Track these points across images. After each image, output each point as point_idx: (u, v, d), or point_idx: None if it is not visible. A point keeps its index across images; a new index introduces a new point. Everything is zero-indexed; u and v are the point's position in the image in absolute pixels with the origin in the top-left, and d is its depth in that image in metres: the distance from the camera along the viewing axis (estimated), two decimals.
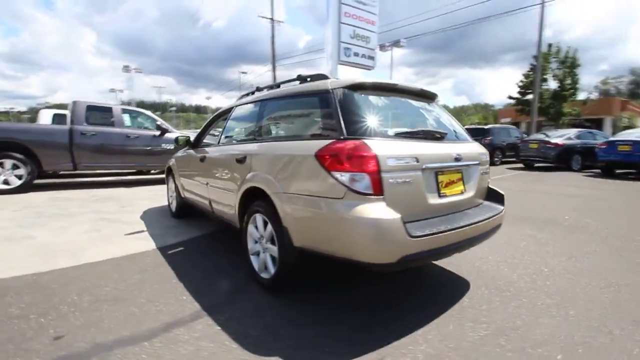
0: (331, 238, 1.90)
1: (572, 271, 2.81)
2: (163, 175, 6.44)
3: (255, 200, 2.51)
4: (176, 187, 4.35)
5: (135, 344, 1.81)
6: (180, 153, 4.47)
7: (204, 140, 3.92)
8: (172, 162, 4.55)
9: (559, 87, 25.37)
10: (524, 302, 2.28)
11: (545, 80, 26.22)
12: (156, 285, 2.55)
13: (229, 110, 3.41)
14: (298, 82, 2.64)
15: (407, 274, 2.72)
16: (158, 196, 6.22)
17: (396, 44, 22.92)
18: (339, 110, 2.03)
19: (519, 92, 27.28)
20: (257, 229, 2.49)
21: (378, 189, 1.78)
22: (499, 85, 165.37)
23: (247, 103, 3.15)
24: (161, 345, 1.81)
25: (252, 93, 3.33)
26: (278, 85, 2.94)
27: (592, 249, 3.38)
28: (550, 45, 26.49)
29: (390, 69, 23.55)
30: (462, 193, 2.24)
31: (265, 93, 2.89)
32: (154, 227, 4.08)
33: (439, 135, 2.25)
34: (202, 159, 3.44)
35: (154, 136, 7.80)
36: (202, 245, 3.53)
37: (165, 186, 5.13)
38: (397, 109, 2.33)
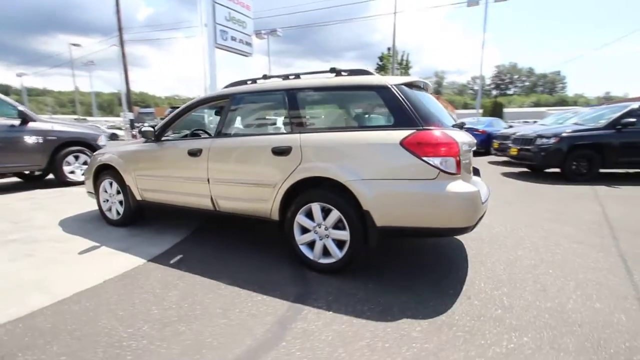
0: (422, 213, 2.22)
1: None
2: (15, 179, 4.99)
3: (306, 190, 2.53)
4: (127, 189, 3.59)
5: (273, 349, 1.72)
6: (127, 148, 3.69)
7: (174, 133, 3.40)
8: (113, 159, 3.68)
9: None
10: (506, 244, 3.17)
11: None
12: (209, 295, 2.28)
13: (224, 97, 3.10)
14: (333, 74, 2.75)
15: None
16: (49, 204, 4.85)
17: (273, 32, 23.05)
18: (407, 104, 2.33)
19: None
20: (313, 218, 2.54)
21: (459, 169, 2.21)
22: None
23: (260, 92, 2.98)
24: (299, 341, 1.77)
25: (254, 81, 3.14)
26: (297, 76, 2.91)
27: None
28: (389, 49, 31.86)
29: (268, 56, 23.59)
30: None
31: (290, 83, 2.81)
32: (105, 240, 3.29)
33: (461, 124, 2.84)
34: (195, 153, 3.04)
35: (11, 126, 5.85)
36: (202, 247, 3.14)
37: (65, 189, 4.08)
38: (426, 102, 2.77)
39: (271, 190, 2.66)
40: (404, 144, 2.21)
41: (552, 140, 6.74)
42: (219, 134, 3.03)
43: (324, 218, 2.50)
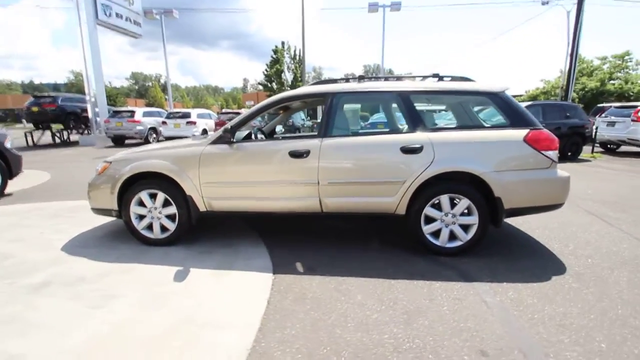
0: (539, 194, 2.80)
1: None
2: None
3: (435, 184, 2.80)
4: (187, 199, 3.05)
5: (518, 321, 2.02)
6: (181, 151, 3.10)
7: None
8: (162, 166, 3.03)
9: (294, 77, 31.82)
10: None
11: (282, 71, 32.00)
12: (396, 290, 2.34)
13: (319, 96, 3.01)
14: (436, 79, 3.05)
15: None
16: (44, 225, 3.59)
17: (167, 12, 20.18)
18: (516, 107, 2.87)
19: (266, 81, 31.86)
20: (440, 209, 2.84)
21: (557, 160, 2.88)
22: (224, 69, 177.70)
23: (366, 92, 3.02)
24: (448, 303, 2.12)
25: (347, 80, 3.13)
26: (399, 78, 3.09)
27: None
28: (283, 43, 32.32)
29: (163, 42, 20.50)
30: None
31: (402, 85, 2.97)
32: (178, 262, 2.80)
33: None
34: (300, 154, 2.86)
35: None
36: (302, 251, 2.99)
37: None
38: None
39: (399, 186, 2.82)
40: (526, 140, 2.74)
41: None
42: (326, 133, 2.94)
43: (451, 207, 2.84)
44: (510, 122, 2.86)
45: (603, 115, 11.20)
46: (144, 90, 74.61)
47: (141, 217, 3.18)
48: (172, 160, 3.07)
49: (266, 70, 31.74)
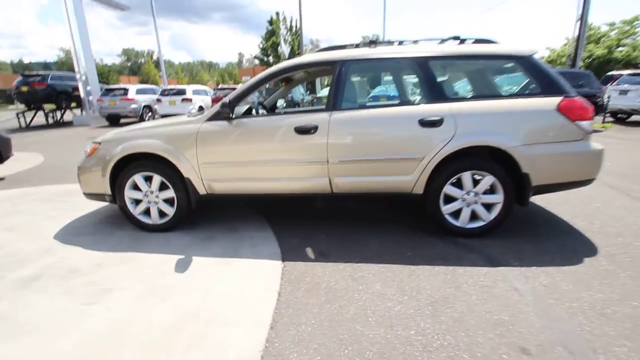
0: (571, 169, 2.55)
1: None
2: None
3: (456, 159, 2.55)
4: (185, 182, 2.82)
5: (550, 310, 1.84)
6: (176, 129, 2.83)
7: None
8: (155, 146, 2.76)
9: (291, 50, 30.72)
10: None
11: (278, 44, 30.86)
12: (419, 276, 2.15)
13: (327, 64, 2.69)
14: (456, 41, 2.72)
15: None
16: (36, 210, 3.38)
17: None
18: (547, 72, 2.56)
19: (262, 54, 30.77)
20: (460, 187, 2.61)
21: (591, 130, 2.61)
22: (218, 43, 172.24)
23: (379, 59, 2.69)
24: (476, 292, 1.93)
25: (357, 46, 2.80)
26: (415, 42, 2.75)
27: None
28: (278, 14, 30.95)
29: (152, 15, 19.45)
30: None
31: (418, 49, 2.63)
32: (181, 250, 2.61)
33: None
34: (307, 130, 2.59)
35: None
36: (313, 236, 2.78)
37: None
38: None
39: (417, 163, 2.57)
40: (559, 109, 2.46)
41: None
42: (336, 106, 2.65)
43: (473, 185, 2.60)
44: (541, 89, 2.56)
45: (614, 83, 10.75)
46: (137, 67, 72.48)
47: (137, 202, 2.96)
48: (166, 140, 2.80)
49: (262, 43, 30.57)
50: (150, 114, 14.32)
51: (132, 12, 16.95)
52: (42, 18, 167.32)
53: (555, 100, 2.48)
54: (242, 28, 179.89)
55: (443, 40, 2.78)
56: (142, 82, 45.29)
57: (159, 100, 13.96)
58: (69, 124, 14.33)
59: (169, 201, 2.92)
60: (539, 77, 2.56)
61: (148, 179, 2.89)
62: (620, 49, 27.07)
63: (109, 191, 2.94)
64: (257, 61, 32.90)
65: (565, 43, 29.75)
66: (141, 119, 13.64)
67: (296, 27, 31.25)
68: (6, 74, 47.38)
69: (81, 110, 15.28)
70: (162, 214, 2.96)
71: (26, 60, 77.29)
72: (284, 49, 31.31)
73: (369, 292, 2.00)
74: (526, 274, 2.17)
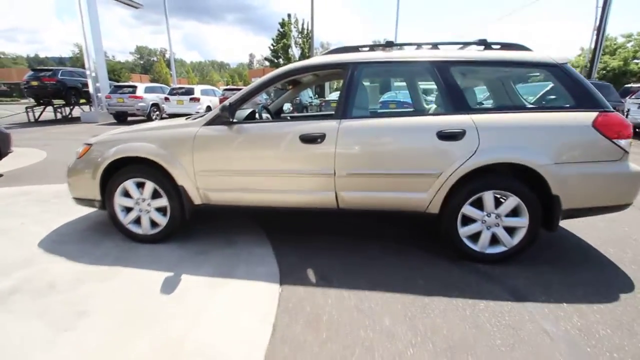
0: (606, 193, 2.28)
1: None
2: None
3: (476, 177, 2.30)
4: (180, 190, 2.60)
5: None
6: (171, 132, 2.61)
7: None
8: (148, 150, 2.55)
9: (301, 53, 30.63)
10: None
11: (289, 46, 30.80)
12: (445, 315, 1.90)
13: (337, 67, 2.47)
14: (481, 46, 2.46)
15: None
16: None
17: None
18: (582, 83, 2.30)
19: (272, 56, 30.73)
20: (481, 208, 2.35)
21: (629, 150, 2.33)
22: (230, 44, 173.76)
23: (395, 62, 2.45)
24: (501, 334, 1.67)
25: (371, 49, 2.57)
26: (435, 45, 2.51)
27: None
28: (289, 16, 30.91)
29: (165, 14, 19.52)
30: None
31: (438, 53, 2.39)
32: (171, 266, 2.39)
33: None
34: (313, 139, 2.36)
35: None
36: (315, 257, 2.54)
37: None
38: None
39: (433, 180, 2.32)
40: (595, 125, 2.19)
41: None
42: (346, 113, 2.42)
43: (496, 206, 2.34)
44: (575, 102, 2.30)
45: (633, 96, 10.36)
46: (149, 65, 73.22)
47: (128, 210, 2.75)
48: (161, 144, 2.59)
49: (272, 45, 30.52)
50: (157, 112, 14.25)
51: (146, 10, 16.96)
52: (58, 14, 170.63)
53: (591, 115, 2.21)
54: (254, 30, 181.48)
55: (467, 44, 2.53)
56: (153, 80, 45.62)
57: (167, 99, 13.89)
58: (77, 119, 14.31)
59: (162, 210, 2.71)
60: (573, 88, 2.30)
61: (140, 186, 2.68)
62: (636, 61, 26.45)
63: (98, 197, 2.74)
64: (267, 63, 32.87)
65: (580, 54, 29.19)
66: (148, 118, 13.57)
67: (307, 29, 31.21)
68: (22, 68, 48.09)
69: (90, 107, 15.28)
70: (153, 223, 2.74)
71: (42, 55, 78.67)
72: (295, 51, 31.25)
73: (377, 330, 1.75)
74: (556, 313, 1.90)
